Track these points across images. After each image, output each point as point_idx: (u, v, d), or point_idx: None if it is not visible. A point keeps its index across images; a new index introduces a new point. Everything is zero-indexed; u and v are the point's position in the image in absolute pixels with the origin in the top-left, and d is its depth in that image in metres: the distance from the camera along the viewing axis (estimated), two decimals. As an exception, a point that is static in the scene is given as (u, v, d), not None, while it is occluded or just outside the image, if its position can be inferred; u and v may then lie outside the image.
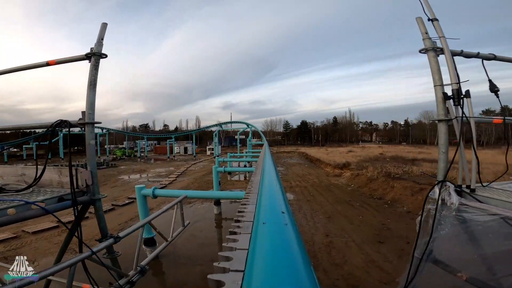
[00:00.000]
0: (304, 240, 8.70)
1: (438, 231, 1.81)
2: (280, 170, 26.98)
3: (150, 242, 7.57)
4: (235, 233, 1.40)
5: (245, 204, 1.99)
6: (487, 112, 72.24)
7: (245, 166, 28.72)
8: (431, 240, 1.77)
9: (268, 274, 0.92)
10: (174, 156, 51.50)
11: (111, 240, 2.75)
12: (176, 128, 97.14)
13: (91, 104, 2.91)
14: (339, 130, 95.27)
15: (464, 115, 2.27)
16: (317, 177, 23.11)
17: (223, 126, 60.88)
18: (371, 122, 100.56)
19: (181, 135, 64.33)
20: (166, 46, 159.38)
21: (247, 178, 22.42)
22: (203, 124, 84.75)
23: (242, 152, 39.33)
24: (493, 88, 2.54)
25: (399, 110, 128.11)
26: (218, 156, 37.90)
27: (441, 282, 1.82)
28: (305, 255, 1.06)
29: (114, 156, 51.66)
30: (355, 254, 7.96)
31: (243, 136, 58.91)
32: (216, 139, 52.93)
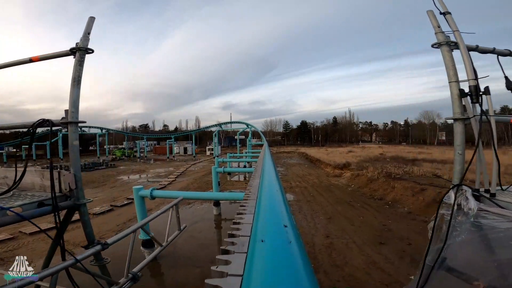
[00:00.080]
0: (305, 241, 8.61)
1: (453, 237, 1.69)
2: (280, 170, 26.89)
3: (148, 244, 7.47)
4: (227, 251, 1.18)
5: (241, 214, 1.79)
6: (487, 112, 72.31)
7: (244, 166, 28.61)
8: (445, 247, 1.66)
9: None
10: (173, 157, 51.40)
11: (98, 247, 2.60)
12: (176, 128, 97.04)
13: (74, 102, 2.73)
14: (339, 130, 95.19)
15: (483, 114, 2.11)
16: (317, 178, 23.01)
17: (222, 126, 60.76)
18: (371, 122, 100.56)
19: (181, 135, 64.23)
20: (166, 46, 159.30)
21: (246, 178, 22.32)
22: (203, 124, 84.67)
23: (242, 153, 39.24)
24: (510, 86, 2.39)
25: (399, 110, 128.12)
26: (217, 156, 37.83)
27: None
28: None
29: (114, 157, 51.57)
30: (356, 256, 7.87)
31: (243, 136, 58.82)
32: (215, 140, 52.83)
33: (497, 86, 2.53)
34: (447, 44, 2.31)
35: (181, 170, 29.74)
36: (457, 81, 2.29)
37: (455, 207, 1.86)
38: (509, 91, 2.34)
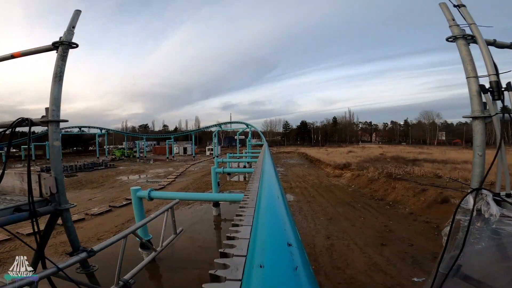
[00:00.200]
0: (305, 243, 8.50)
1: (471, 244, 1.57)
2: (279, 171, 26.78)
3: (146, 246, 7.35)
4: (217, 278, 0.99)
5: (237, 226, 1.57)
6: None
7: (244, 167, 28.51)
8: (462, 254, 1.54)
9: None
10: (173, 157, 51.26)
11: (83, 255, 2.45)
12: (176, 128, 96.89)
13: (55, 100, 2.56)
14: (338, 131, 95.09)
15: (506, 111, 1.96)
16: (317, 178, 22.90)
17: (222, 126, 60.70)
18: (370, 122, 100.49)
19: (181, 135, 64.12)
20: (166, 46, 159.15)
21: (246, 179, 22.20)
22: (203, 125, 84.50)
23: (242, 153, 39.12)
24: None
25: (399, 110, 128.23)
26: (217, 156, 37.72)
27: None
28: None
29: (113, 157, 51.45)
30: (357, 257, 7.76)
31: (243, 137, 58.73)
32: (215, 140, 52.72)
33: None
34: (464, 38, 2.16)
35: (180, 171, 29.62)
36: (476, 76, 2.14)
37: (474, 212, 1.73)
38: None
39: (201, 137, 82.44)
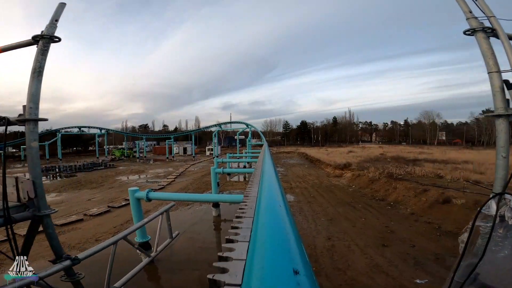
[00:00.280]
0: (306, 244, 8.40)
1: (493, 252, 1.46)
2: (280, 171, 26.68)
3: (144, 247, 7.25)
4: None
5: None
6: (487, 112, 72.21)
7: (244, 167, 28.42)
8: (481, 262, 1.43)
9: None
10: (173, 157, 51.15)
11: (66, 263, 2.31)
12: (176, 128, 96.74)
13: (33, 97, 2.38)
14: (339, 131, 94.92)
15: None
16: (317, 178, 22.81)
17: (222, 126, 60.59)
18: (370, 122, 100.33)
19: (181, 135, 63.99)
20: (166, 46, 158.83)
21: (246, 179, 22.10)
22: (203, 125, 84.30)
23: (242, 153, 39.02)
24: None
25: (399, 110, 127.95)
26: (217, 156, 37.62)
27: None
28: None
29: (113, 157, 51.37)
30: (358, 258, 7.67)
31: (243, 136, 58.63)
32: (215, 140, 52.61)
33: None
34: (483, 31, 2.03)
35: (180, 171, 29.52)
36: (499, 71, 1.99)
37: (498, 219, 1.61)
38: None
39: (201, 137, 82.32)
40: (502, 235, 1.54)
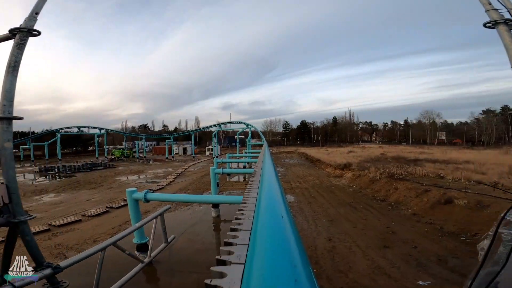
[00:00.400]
0: (306, 245, 8.30)
1: None
2: (280, 171, 26.58)
3: (143, 248, 7.16)
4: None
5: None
6: (487, 112, 72.07)
7: (244, 167, 28.33)
8: (502, 272, 1.33)
9: None
10: (173, 157, 51.03)
11: (47, 271, 2.18)
12: (176, 128, 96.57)
13: (7, 93, 2.24)
14: (339, 130, 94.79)
15: None
16: (317, 178, 22.71)
17: (222, 126, 60.50)
18: (371, 122, 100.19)
19: (180, 135, 63.87)
20: (166, 46, 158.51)
21: (246, 179, 21.99)
22: (203, 125, 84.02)
23: (242, 153, 38.92)
24: None
25: (399, 110, 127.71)
26: (217, 156, 37.52)
27: None
28: None
29: (113, 157, 51.28)
30: (359, 260, 7.57)
31: (243, 137, 58.53)
32: (215, 140, 52.50)
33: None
34: (505, 23, 1.94)
35: (180, 171, 29.42)
36: None
37: None
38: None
39: (201, 137, 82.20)
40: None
